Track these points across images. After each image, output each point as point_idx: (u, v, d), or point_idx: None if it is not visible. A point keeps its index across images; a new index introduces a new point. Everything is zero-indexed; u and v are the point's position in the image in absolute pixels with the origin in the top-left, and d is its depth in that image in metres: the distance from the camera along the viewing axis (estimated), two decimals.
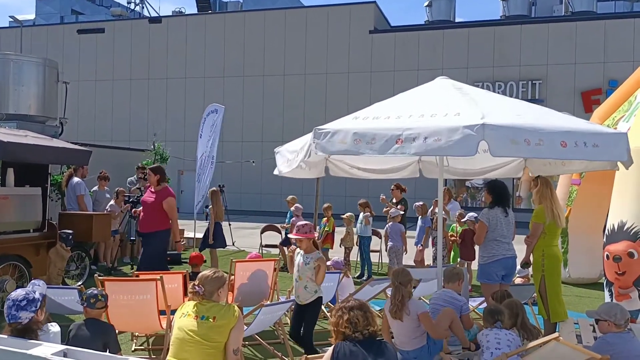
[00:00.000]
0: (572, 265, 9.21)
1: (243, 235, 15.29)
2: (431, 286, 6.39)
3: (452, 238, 9.06)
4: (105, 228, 8.56)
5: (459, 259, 8.84)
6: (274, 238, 11.65)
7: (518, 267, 6.24)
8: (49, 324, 3.45)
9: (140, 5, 37.33)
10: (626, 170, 4.81)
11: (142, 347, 5.68)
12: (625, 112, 7.98)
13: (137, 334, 5.84)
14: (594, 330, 5.07)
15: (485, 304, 5.77)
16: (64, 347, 2.80)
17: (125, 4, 38.02)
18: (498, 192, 5.96)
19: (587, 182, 9.00)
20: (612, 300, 5.97)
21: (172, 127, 25.40)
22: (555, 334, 3.86)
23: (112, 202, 10.07)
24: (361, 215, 9.89)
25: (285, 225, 10.54)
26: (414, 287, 6.47)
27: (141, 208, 7.40)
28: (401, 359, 4.46)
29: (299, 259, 5.00)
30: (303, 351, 4.89)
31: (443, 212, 6.59)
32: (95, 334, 3.89)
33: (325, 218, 10.19)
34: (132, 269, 8.82)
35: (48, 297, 3.93)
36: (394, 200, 10.17)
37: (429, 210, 10.04)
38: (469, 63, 22.65)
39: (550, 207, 5.54)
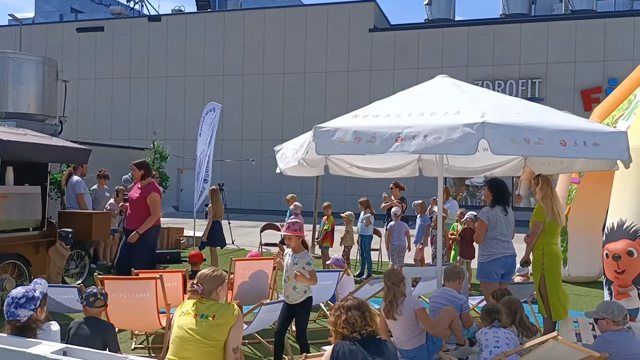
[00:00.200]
0: (571, 264, 9.21)
1: (243, 234, 15.30)
2: (431, 285, 6.39)
3: (453, 237, 9.07)
4: (104, 227, 8.56)
5: (458, 258, 8.85)
6: (274, 237, 11.65)
7: (518, 265, 6.24)
8: (49, 323, 3.44)
9: (140, 3, 37.28)
10: (626, 169, 4.81)
11: (141, 346, 5.68)
12: (624, 110, 7.97)
13: (136, 332, 5.84)
14: (593, 329, 5.08)
15: (484, 303, 5.78)
16: (63, 345, 2.79)
17: (125, 3, 37.98)
18: (498, 191, 5.95)
19: (586, 181, 9.00)
20: (611, 298, 5.97)
21: (172, 125, 25.40)
22: (554, 333, 3.86)
23: (111, 200, 10.06)
24: (362, 215, 9.89)
25: (284, 223, 10.53)
26: (414, 286, 6.48)
27: (127, 204, 7.22)
28: (400, 358, 4.46)
29: (287, 259, 4.93)
30: (306, 350, 4.89)
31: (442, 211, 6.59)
32: (95, 333, 3.89)
33: (325, 217, 10.20)
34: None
35: (48, 296, 3.93)
36: (393, 199, 10.18)
37: (428, 209, 10.05)
38: (468, 61, 22.64)
39: (550, 206, 5.54)
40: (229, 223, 13.02)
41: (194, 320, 3.58)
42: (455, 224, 9.30)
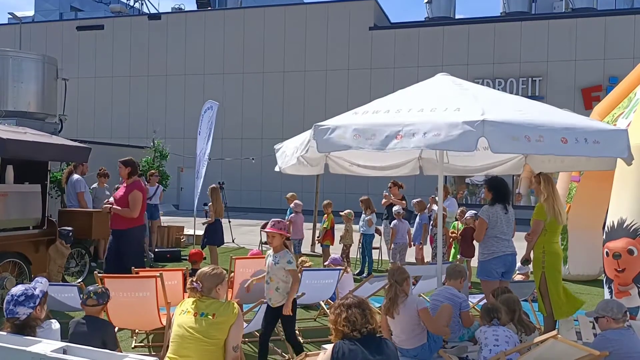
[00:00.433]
0: (571, 262, 9.21)
1: (243, 233, 15.30)
2: (431, 283, 6.38)
3: (453, 235, 9.07)
4: (104, 225, 8.52)
5: (458, 256, 8.85)
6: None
7: (518, 264, 6.24)
8: (49, 321, 3.44)
9: (140, 2, 37.23)
10: (626, 167, 4.80)
11: (142, 344, 5.69)
12: (624, 108, 7.96)
13: (137, 330, 5.84)
14: (593, 327, 5.07)
15: (484, 301, 5.77)
16: (63, 344, 2.79)
17: (125, 1, 37.93)
18: (498, 189, 5.95)
19: (586, 179, 8.99)
20: (611, 297, 5.97)
21: (172, 124, 25.39)
22: (554, 332, 3.85)
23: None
24: (363, 215, 9.88)
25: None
26: (414, 284, 6.48)
27: (112, 201, 7.02)
28: (401, 357, 4.45)
29: (269, 259, 4.85)
30: (304, 349, 4.89)
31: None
32: (93, 331, 3.89)
33: (325, 215, 10.20)
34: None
35: (48, 295, 3.93)
36: (393, 198, 10.19)
37: (427, 207, 10.06)
38: (469, 60, 22.62)
39: (551, 204, 5.53)
40: (229, 221, 13.02)
41: (194, 318, 3.57)
42: (456, 222, 9.30)
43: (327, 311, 5.96)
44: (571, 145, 4.03)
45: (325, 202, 10.43)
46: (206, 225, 9.25)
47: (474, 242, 7.78)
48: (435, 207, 9.53)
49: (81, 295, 4.25)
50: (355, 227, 10.17)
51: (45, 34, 28.13)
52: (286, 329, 4.91)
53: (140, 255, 6.73)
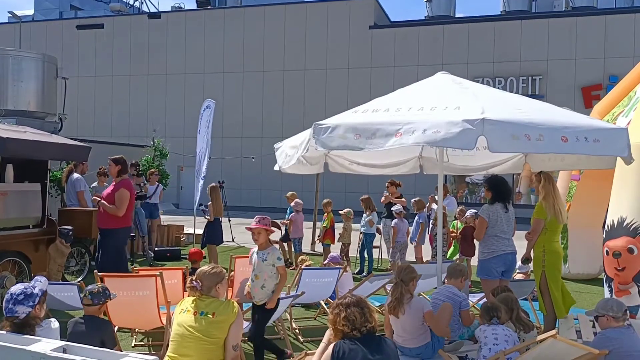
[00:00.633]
0: (571, 261, 9.21)
1: (243, 232, 15.22)
2: (431, 282, 6.38)
3: (453, 234, 9.07)
4: None
5: (458, 255, 8.85)
6: (274, 234, 11.60)
7: (519, 263, 6.24)
8: (48, 320, 3.44)
9: (140, 0, 37.20)
10: (626, 166, 4.79)
11: (141, 343, 5.69)
12: (624, 107, 7.95)
13: (137, 329, 5.84)
14: (593, 326, 5.07)
15: (484, 300, 5.77)
16: (63, 343, 2.79)
17: (124, 0, 37.90)
18: (498, 188, 5.95)
19: (586, 178, 8.99)
20: (611, 296, 5.96)
21: (172, 122, 25.37)
22: (553, 332, 3.85)
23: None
24: (364, 215, 9.88)
25: (285, 221, 10.55)
26: None
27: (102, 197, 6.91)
28: (402, 355, 4.44)
29: (254, 257, 4.81)
30: (304, 347, 4.88)
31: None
32: (92, 331, 3.88)
33: (325, 214, 10.19)
34: (132, 265, 8.82)
35: (48, 294, 3.93)
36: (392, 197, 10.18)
37: (426, 206, 10.06)
38: (469, 59, 22.60)
39: (552, 203, 5.53)
40: (230, 220, 13.02)
41: (194, 317, 3.57)
42: (455, 221, 9.30)
43: (327, 310, 5.96)
44: (571, 143, 4.02)
45: (324, 201, 10.43)
46: (206, 224, 9.25)
47: (474, 241, 7.78)
48: (434, 206, 9.53)
49: (80, 295, 4.25)
50: (356, 225, 10.17)
51: (45, 32, 28.11)
52: (257, 327, 4.78)
53: (114, 262, 6.43)
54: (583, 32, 21.56)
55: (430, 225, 9.77)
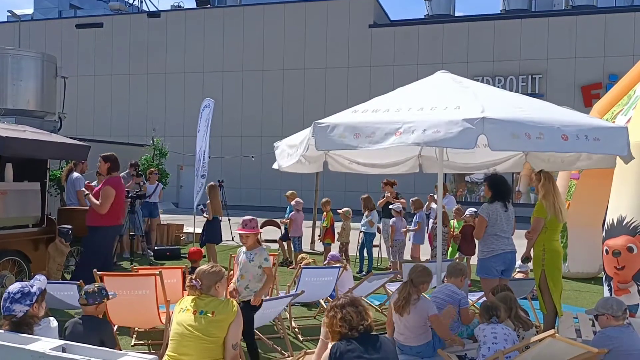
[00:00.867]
0: (571, 260, 9.21)
1: None
2: (431, 281, 6.36)
3: (452, 234, 9.07)
4: None
5: (457, 254, 8.85)
6: (274, 233, 11.65)
7: (518, 262, 6.23)
8: (47, 319, 3.44)
9: None
10: (625, 165, 4.79)
11: (141, 342, 5.68)
12: (624, 105, 7.95)
13: (136, 328, 5.84)
14: (593, 325, 5.07)
15: (484, 299, 5.77)
16: (62, 342, 2.79)
17: None
18: (498, 187, 5.94)
19: (586, 177, 8.99)
20: (611, 295, 5.97)
21: (171, 121, 25.37)
22: (552, 331, 3.85)
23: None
24: (365, 216, 9.88)
25: (284, 220, 10.55)
26: None
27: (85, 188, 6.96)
28: (401, 353, 4.44)
29: (241, 256, 4.80)
30: (303, 346, 4.88)
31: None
32: (90, 330, 3.87)
33: (324, 213, 10.19)
34: (131, 264, 8.81)
35: (47, 292, 3.92)
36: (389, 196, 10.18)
37: (425, 205, 10.06)
38: (468, 57, 22.59)
39: (552, 202, 5.53)
40: (229, 219, 13.01)
41: (193, 316, 3.57)
42: (453, 220, 9.30)
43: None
44: (572, 142, 4.02)
45: (323, 200, 10.43)
46: (205, 223, 9.24)
47: (474, 239, 7.77)
48: (434, 205, 9.53)
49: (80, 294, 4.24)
50: (355, 225, 10.16)
51: (45, 31, 28.09)
52: (245, 326, 4.59)
53: (93, 260, 6.23)
54: (583, 30, 21.55)
55: (430, 225, 9.77)
